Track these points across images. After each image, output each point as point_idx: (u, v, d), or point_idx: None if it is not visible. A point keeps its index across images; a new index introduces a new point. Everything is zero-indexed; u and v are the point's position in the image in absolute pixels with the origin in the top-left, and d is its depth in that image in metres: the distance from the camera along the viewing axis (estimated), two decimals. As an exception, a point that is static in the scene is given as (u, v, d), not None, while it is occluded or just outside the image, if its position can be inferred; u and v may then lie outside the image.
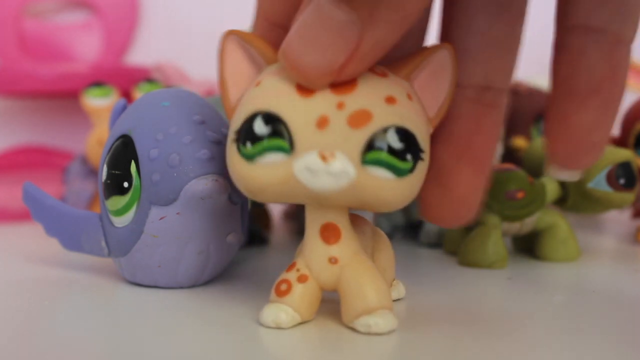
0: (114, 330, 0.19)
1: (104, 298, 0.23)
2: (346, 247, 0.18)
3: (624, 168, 0.28)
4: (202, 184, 0.21)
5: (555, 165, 0.18)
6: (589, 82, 0.17)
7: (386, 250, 0.21)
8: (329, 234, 0.18)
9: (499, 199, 0.28)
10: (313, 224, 0.19)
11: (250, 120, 0.17)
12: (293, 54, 0.16)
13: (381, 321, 0.18)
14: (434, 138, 0.18)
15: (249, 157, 0.17)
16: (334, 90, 0.16)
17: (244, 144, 0.17)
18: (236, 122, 0.17)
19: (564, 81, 0.17)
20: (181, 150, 0.21)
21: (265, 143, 0.16)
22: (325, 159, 0.16)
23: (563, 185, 0.29)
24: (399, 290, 0.22)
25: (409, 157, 0.16)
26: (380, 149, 0.16)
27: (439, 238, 0.33)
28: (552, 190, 0.29)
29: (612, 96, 0.17)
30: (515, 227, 0.28)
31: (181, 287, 0.24)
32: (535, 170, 0.31)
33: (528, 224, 0.29)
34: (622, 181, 0.28)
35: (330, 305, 0.20)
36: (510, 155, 0.38)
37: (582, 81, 0.17)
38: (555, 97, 0.18)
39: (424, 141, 0.17)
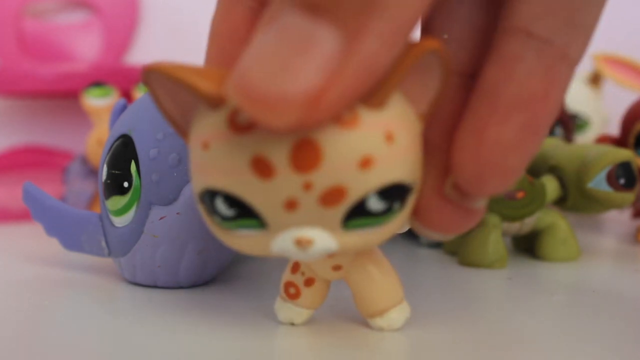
0: (114, 330, 0.19)
1: (104, 298, 0.23)
2: (345, 255, 0.18)
3: (624, 168, 0.28)
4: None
5: (458, 183, 0.15)
6: (518, 95, 0.14)
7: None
8: None
9: (498, 199, 0.28)
10: None
11: (210, 198, 0.15)
12: (252, 84, 0.12)
13: (395, 316, 0.18)
14: None
15: (224, 228, 0.15)
16: (296, 167, 0.13)
17: (212, 216, 0.15)
18: (193, 187, 0.15)
19: (490, 87, 0.14)
20: (181, 150, 0.21)
21: (235, 223, 0.15)
22: (302, 246, 0.14)
23: (563, 185, 0.29)
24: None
25: (396, 205, 0.15)
26: (362, 216, 0.14)
27: (439, 238, 0.32)
28: (552, 190, 0.29)
29: (541, 117, 0.14)
30: (515, 227, 0.28)
31: (181, 287, 0.24)
32: (535, 170, 0.31)
33: (528, 224, 0.29)
34: (622, 181, 0.28)
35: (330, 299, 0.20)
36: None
37: (510, 92, 0.14)
38: (475, 104, 0.15)
39: (413, 172, 0.15)
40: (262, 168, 0.14)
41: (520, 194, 0.28)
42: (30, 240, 0.34)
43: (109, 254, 0.24)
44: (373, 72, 0.13)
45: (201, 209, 0.16)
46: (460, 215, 0.16)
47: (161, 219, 0.22)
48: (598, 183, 0.28)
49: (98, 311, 0.21)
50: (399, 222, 0.15)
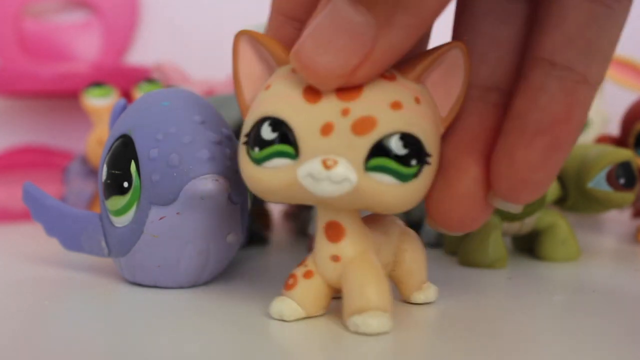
0: (114, 330, 0.19)
1: (104, 298, 0.23)
2: (350, 245, 0.19)
3: (624, 168, 0.28)
4: (201, 184, 0.21)
5: (497, 197, 0.18)
6: (541, 121, 0.16)
7: (413, 251, 0.21)
8: (333, 232, 0.19)
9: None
10: (320, 222, 0.19)
11: (258, 125, 0.17)
12: (305, 55, 0.16)
13: (373, 321, 0.17)
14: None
15: (257, 161, 0.17)
16: (340, 96, 0.17)
17: (253, 148, 0.17)
18: (246, 126, 0.18)
19: (518, 115, 0.17)
20: (181, 150, 0.21)
21: (272, 149, 0.17)
22: (327, 167, 0.16)
23: (563, 185, 0.29)
24: (428, 294, 0.21)
25: (413, 162, 0.16)
26: (383, 156, 0.16)
27: (439, 238, 0.33)
28: (552, 190, 0.29)
29: (563, 138, 0.17)
30: (515, 227, 0.28)
31: (181, 287, 0.24)
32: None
33: (528, 224, 0.29)
34: (622, 181, 0.28)
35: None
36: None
37: (534, 119, 0.17)
38: (507, 129, 0.17)
39: (432, 144, 0.17)
40: (311, 94, 0.17)
41: (520, 194, 0.28)
42: (30, 240, 0.34)
43: (109, 254, 0.24)
44: (397, 55, 0.16)
45: (241, 152, 0.18)
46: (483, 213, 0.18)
47: (161, 219, 0.22)
48: (598, 183, 0.28)
49: (98, 311, 0.21)
50: (412, 190, 0.17)
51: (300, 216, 0.37)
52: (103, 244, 0.24)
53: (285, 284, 0.19)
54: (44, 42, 0.55)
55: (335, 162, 0.16)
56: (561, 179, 0.29)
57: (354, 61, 0.15)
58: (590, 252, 0.31)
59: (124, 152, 0.22)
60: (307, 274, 0.19)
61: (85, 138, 0.42)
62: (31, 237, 0.35)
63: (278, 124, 0.17)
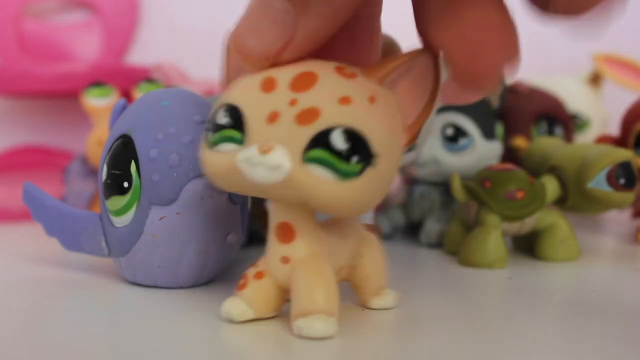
0: (114, 330, 0.19)
1: (104, 298, 0.23)
2: (301, 247, 0.18)
3: (624, 168, 0.28)
4: (202, 184, 0.21)
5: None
6: None
7: (372, 256, 0.20)
8: (283, 233, 0.18)
9: (499, 199, 0.28)
10: (272, 222, 0.19)
11: (216, 111, 0.18)
12: (237, 38, 0.17)
13: (318, 325, 0.17)
14: None
15: (210, 145, 0.18)
16: (292, 88, 0.17)
17: (209, 132, 0.18)
18: (210, 113, 0.18)
19: None
20: (181, 150, 0.21)
21: (223, 133, 0.17)
22: (263, 151, 0.16)
23: (563, 185, 0.29)
24: (387, 299, 0.21)
25: (354, 159, 0.16)
26: (323, 148, 0.16)
27: (439, 238, 0.33)
28: (552, 190, 0.29)
29: None
30: (515, 227, 0.28)
31: (181, 287, 0.23)
32: (535, 170, 0.31)
33: (528, 224, 0.29)
34: (622, 181, 0.28)
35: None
36: (510, 155, 0.38)
37: None
38: None
39: (382, 146, 0.16)
40: (268, 84, 0.17)
41: (520, 194, 0.28)
42: (30, 240, 0.34)
43: (109, 254, 0.24)
44: (317, 41, 0.17)
45: (203, 138, 0.18)
46: None
47: (161, 219, 0.22)
48: (598, 183, 0.28)
49: (98, 311, 0.21)
50: (352, 190, 0.16)
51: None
52: (103, 244, 0.24)
53: (237, 284, 0.19)
54: (44, 42, 0.55)
55: (271, 148, 0.16)
56: (561, 179, 0.29)
57: (277, 45, 0.17)
58: (590, 252, 0.31)
59: (124, 152, 0.22)
60: (258, 275, 0.19)
61: (85, 138, 0.42)
62: (31, 237, 0.35)
63: (232, 110, 0.17)
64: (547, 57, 0.54)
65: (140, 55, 0.56)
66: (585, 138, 0.46)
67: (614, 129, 0.37)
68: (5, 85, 0.48)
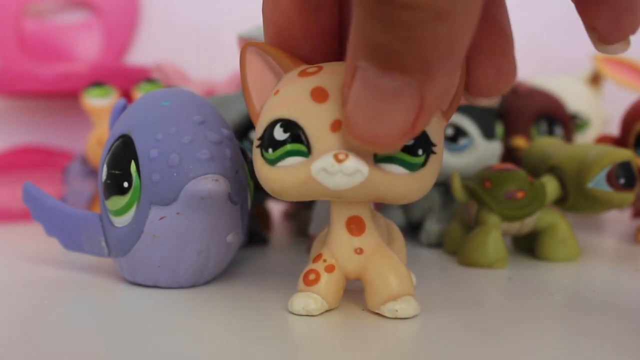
0: (114, 330, 0.19)
1: (104, 298, 0.23)
2: (370, 238, 0.20)
3: (624, 168, 0.28)
4: (202, 184, 0.21)
5: (470, 95, 0.19)
6: None
7: (399, 240, 0.22)
8: (355, 226, 0.20)
9: (499, 199, 0.28)
10: (339, 217, 0.20)
11: (270, 128, 0.18)
12: (363, 132, 0.16)
13: (406, 306, 0.19)
14: None
15: (272, 162, 0.18)
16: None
17: (267, 149, 0.18)
18: (259, 129, 0.19)
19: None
20: (181, 150, 0.21)
21: (285, 148, 0.18)
22: (339, 160, 0.17)
23: (563, 185, 0.29)
24: (412, 278, 0.22)
25: (420, 152, 0.18)
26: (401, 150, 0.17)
27: (439, 238, 0.33)
28: (552, 190, 0.29)
29: None
30: (515, 227, 0.28)
31: (181, 287, 0.24)
32: (535, 170, 0.31)
33: (528, 224, 0.29)
34: (622, 181, 0.28)
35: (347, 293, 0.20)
36: (510, 155, 0.38)
37: None
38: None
39: (436, 135, 0.18)
40: (319, 94, 0.18)
41: (520, 194, 0.28)
42: (30, 240, 0.34)
43: (109, 254, 0.24)
44: (448, 95, 0.18)
45: (255, 155, 0.19)
46: None
47: (161, 219, 0.22)
48: (598, 183, 0.28)
49: (98, 311, 0.21)
50: (421, 179, 0.18)
51: (300, 216, 0.37)
52: (103, 244, 0.24)
53: (306, 280, 0.20)
54: (44, 42, 0.55)
55: (347, 156, 0.17)
56: (561, 179, 0.29)
57: (410, 119, 0.16)
58: (590, 252, 0.31)
59: (124, 152, 0.22)
60: (329, 268, 0.20)
61: (85, 138, 0.42)
62: (31, 237, 0.35)
63: (289, 125, 0.18)
64: (547, 57, 0.54)
65: (140, 55, 0.56)
66: (585, 138, 0.46)
67: (614, 129, 0.37)
68: (5, 85, 0.48)
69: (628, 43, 0.18)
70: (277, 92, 0.19)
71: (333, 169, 0.17)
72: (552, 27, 0.53)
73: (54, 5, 0.56)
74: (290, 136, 0.18)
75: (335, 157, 0.17)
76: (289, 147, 0.18)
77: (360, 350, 0.17)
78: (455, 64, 0.15)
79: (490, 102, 0.19)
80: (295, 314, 0.20)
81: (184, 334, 0.18)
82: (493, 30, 0.18)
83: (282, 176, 0.18)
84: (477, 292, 0.24)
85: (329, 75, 0.18)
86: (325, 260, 0.20)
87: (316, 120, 0.18)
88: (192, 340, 0.18)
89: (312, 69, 0.19)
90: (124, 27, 0.55)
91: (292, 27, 0.19)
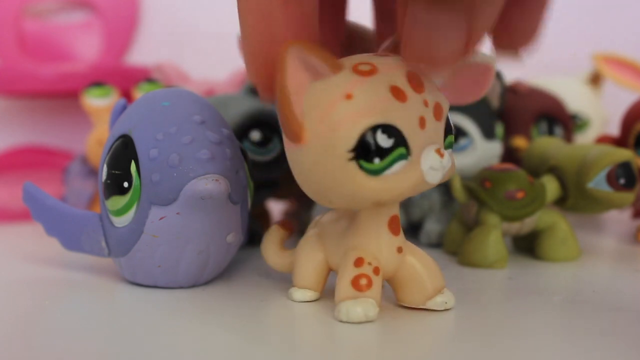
0: (114, 330, 0.19)
1: (104, 298, 0.23)
2: (403, 236, 0.20)
3: (624, 168, 0.28)
4: (202, 184, 0.21)
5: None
6: None
7: None
8: (395, 226, 0.20)
9: (499, 199, 0.28)
10: (380, 217, 0.20)
11: (369, 136, 0.17)
12: (420, 51, 0.17)
13: (450, 297, 0.20)
14: None
15: (376, 172, 0.17)
16: (416, 90, 0.18)
17: (371, 160, 0.17)
18: (344, 140, 0.17)
19: None
20: (181, 150, 0.21)
21: (393, 155, 0.17)
22: (441, 156, 0.18)
23: (563, 185, 0.29)
24: None
25: (456, 134, 0.19)
26: (449, 133, 0.19)
27: (439, 238, 0.33)
28: (552, 190, 0.29)
29: None
30: (515, 227, 0.28)
31: (181, 287, 0.24)
32: (535, 170, 0.31)
33: (528, 224, 0.29)
34: (622, 181, 0.28)
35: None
36: (510, 155, 0.38)
37: None
38: None
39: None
40: (398, 93, 0.17)
41: (520, 194, 0.28)
42: (30, 240, 0.34)
43: (109, 254, 0.24)
44: (492, 23, 0.17)
45: (345, 170, 0.17)
46: None
47: (161, 219, 0.22)
48: (598, 183, 0.28)
49: (98, 311, 0.21)
50: (458, 161, 0.20)
51: (300, 216, 0.37)
52: (103, 244, 0.24)
53: (357, 285, 0.19)
54: (44, 42, 0.55)
55: (443, 151, 0.18)
56: (561, 179, 0.29)
57: (461, 49, 0.16)
58: (590, 252, 0.31)
59: (124, 152, 0.22)
60: (376, 271, 0.19)
61: (85, 138, 0.42)
62: (31, 237, 0.35)
63: (390, 129, 0.17)
64: (547, 57, 0.54)
65: (140, 55, 0.56)
66: (585, 138, 0.46)
67: (614, 129, 0.37)
68: (5, 85, 0.48)
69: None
70: (349, 96, 0.17)
71: (438, 165, 0.17)
72: (553, 27, 0.53)
73: (54, 5, 0.56)
74: (394, 141, 0.17)
75: (438, 152, 0.18)
76: (396, 152, 0.17)
77: (360, 350, 0.17)
78: (493, 12, 0.16)
79: (514, 56, 0.19)
80: (352, 323, 0.19)
81: (184, 334, 0.18)
82: None
83: (392, 184, 0.17)
84: (477, 292, 0.24)
85: (390, 71, 0.18)
86: (370, 264, 0.19)
87: (408, 120, 0.17)
88: (192, 340, 0.18)
89: (365, 66, 0.18)
90: (124, 27, 0.55)
91: (272, 13, 0.18)
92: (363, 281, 0.19)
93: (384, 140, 0.17)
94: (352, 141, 0.17)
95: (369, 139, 0.17)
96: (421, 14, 0.16)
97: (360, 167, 0.17)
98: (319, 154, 0.17)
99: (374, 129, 0.17)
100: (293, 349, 0.17)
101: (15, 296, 0.23)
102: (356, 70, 0.18)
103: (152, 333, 0.18)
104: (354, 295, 0.19)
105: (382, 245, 0.20)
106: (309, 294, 0.21)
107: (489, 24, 0.17)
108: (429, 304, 0.20)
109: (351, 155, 0.17)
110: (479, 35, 0.17)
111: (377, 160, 0.17)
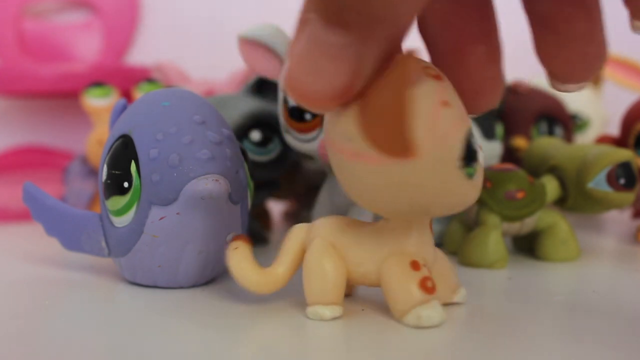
0: (114, 330, 0.19)
1: (104, 298, 0.23)
2: None
3: (624, 168, 0.28)
4: (202, 184, 0.21)
5: (556, 81, 0.18)
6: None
7: None
8: (431, 224, 0.21)
9: (499, 199, 0.28)
10: (427, 219, 0.20)
11: (469, 141, 0.17)
12: (298, 85, 0.15)
13: (465, 292, 0.21)
14: None
15: (472, 175, 0.17)
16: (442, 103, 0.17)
17: (472, 165, 0.17)
18: (456, 149, 0.17)
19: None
20: (181, 150, 0.21)
21: (478, 157, 0.18)
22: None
23: (563, 185, 0.29)
24: None
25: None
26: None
27: (439, 238, 0.32)
28: (552, 190, 0.29)
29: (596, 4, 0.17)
30: (515, 227, 0.28)
31: (181, 287, 0.24)
32: (535, 170, 0.31)
33: (528, 224, 0.29)
34: (622, 181, 0.28)
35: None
36: (510, 155, 0.38)
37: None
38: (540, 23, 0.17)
39: None
40: (443, 102, 0.17)
41: (520, 194, 0.28)
42: (30, 240, 0.34)
43: (109, 254, 0.24)
44: (382, 62, 0.16)
45: (456, 177, 0.17)
46: None
47: (161, 219, 0.22)
48: (598, 183, 0.28)
49: (98, 311, 0.21)
50: None
51: (300, 216, 0.37)
52: (103, 244, 0.24)
53: (426, 288, 0.19)
54: (44, 42, 0.55)
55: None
56: (561, 179, 0.29)
57: (344, 82, 0.15)
58: (590, 252, 0.31)
59: (124, 152, 0.22)
60: (430, 272, 0.19)
61: (85, 138, 0.42)
62: (31, 237, 0.35)
63: (472, 132, 0.18)
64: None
65: (140, 55, 0.56)
66: (585, 138, 0.46)
67: (614, 129, 0.37)
68: (5, 85, 0.48)
69: (582, 87, 0.18)
70: (445, 103, 0.17)
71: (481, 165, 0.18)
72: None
73: (54, 5, 0.56)
74: (477, 145, 0.18)
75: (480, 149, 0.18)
76: (478, 155, 0.18)
77: (360, 350, 0.17)
78: (395, 30, 0.15)
79: (579, 88, 0.18)
80: (423, 327, 0.18)
81: (183, 334, 0.18)
82: (578, 13, 0.16)
83: (478, 185, 0.18)
84: (477, 292, 0.24)
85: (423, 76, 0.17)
86: (425, 265, 0.19)
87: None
88: (191, 340, 0.18)
89: (432, 70, 0.17)
90: (124, 27, 0.55)
91: None
92: (429, 284, 0.19)
93: (474, 144, 0.17)
94: (460, 149, 0.17)
95: (470, 144, 0.17)
96: (319, 32, 0.15)
97: (467, 173, 0.17)
98: (431, 165, 0.16)
99: (468, 135, 0.17)
100: (293, 349, 0.17)
101: (15, 296, 0.23)
102: (431, 75, 0.17)
103: (152, 333, 0.18)
104: (425, 299, 0.18)
105: (428, 245, 0.20)
106: (338, 310, 0.19)
107: (381, 62, 0.15)
108: (456, 298, 0.21)
109: (461, 163, 0.17)
110: (366, 72, 0.15)
111: (475, 165, 0.17)
